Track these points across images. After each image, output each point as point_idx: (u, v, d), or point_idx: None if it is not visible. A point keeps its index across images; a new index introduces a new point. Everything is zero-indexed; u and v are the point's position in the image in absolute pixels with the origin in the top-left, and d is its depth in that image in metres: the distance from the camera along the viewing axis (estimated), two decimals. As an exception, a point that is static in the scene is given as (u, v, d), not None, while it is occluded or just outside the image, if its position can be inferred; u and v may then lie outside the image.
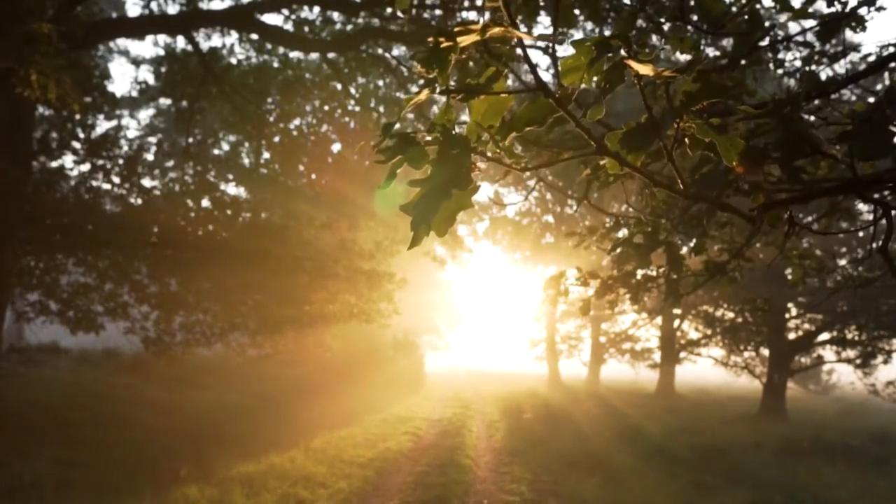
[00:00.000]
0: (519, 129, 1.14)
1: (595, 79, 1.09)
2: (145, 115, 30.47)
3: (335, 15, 14.13)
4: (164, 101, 24.86)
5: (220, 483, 7.83)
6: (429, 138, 1.07)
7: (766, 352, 22.83)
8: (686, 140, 1.09)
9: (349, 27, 14.11)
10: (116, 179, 12.72)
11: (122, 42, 26.89)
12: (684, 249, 3.39)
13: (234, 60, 16.17)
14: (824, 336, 21.11)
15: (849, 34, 4.15)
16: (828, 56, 4.16)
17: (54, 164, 12.90)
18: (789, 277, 20.26)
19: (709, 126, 1.06)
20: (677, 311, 25.78)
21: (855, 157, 1.04)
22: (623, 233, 4.25)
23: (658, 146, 1.11)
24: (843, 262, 18.11)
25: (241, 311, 12.57)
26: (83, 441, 8.88)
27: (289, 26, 14.21)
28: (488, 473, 9.83)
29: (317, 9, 13.85)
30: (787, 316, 21.52)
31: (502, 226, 32.08)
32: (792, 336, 21.70)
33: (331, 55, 14.78)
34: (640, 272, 4.19)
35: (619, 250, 3.04)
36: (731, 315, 22.86)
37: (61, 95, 6.14)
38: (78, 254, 11.64)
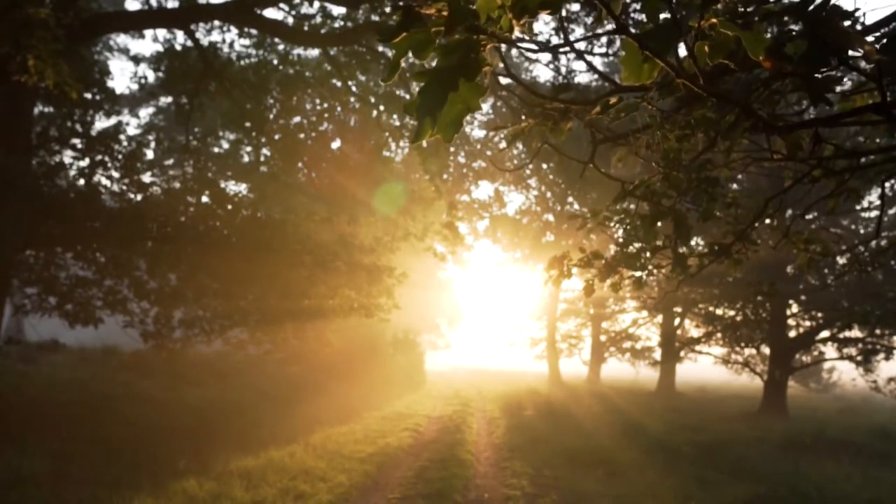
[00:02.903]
0: (532, 9, 1.07)
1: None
2: (145, 113, 30.55)
3: (335, 11, 14.09)
4: (165, 100, 24.90)
5: (218, 477, 7.78)
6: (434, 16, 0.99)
7: (766, 350, 22.81)
8: (706, 48, 1.03)
9: (349, 23, 14.06)
10: (116, 175, 12.66)
11: (121, 40, 26.92)
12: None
13: (233, 56, 16.14)
14: (825, 334, 21.09)
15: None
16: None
17: (54, 159, 12.84)
18: (790, 274, 20.22)
19: (733, 22, 1.00)
20: (677, 308, 25.76)
21: (884, 74, 0.99)
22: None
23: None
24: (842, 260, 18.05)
25: (240, 307, 12.51)
26: (82, 436, 8.84)
27: (289, 22, 14.18)
28: (489, 468, 9.77)
29: (317, 4, 13.82)
30: (787, 313, 21.50)
31: (502, 224, 32.05)
32: (793, 334, 21.68)
33: (331, 51, 14.74)
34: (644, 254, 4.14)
35: (625, 223, 2.98)
36: (731, 313, 22.82)
37: (59, 83, 6.10)
38: (77, 248, 11.58)
